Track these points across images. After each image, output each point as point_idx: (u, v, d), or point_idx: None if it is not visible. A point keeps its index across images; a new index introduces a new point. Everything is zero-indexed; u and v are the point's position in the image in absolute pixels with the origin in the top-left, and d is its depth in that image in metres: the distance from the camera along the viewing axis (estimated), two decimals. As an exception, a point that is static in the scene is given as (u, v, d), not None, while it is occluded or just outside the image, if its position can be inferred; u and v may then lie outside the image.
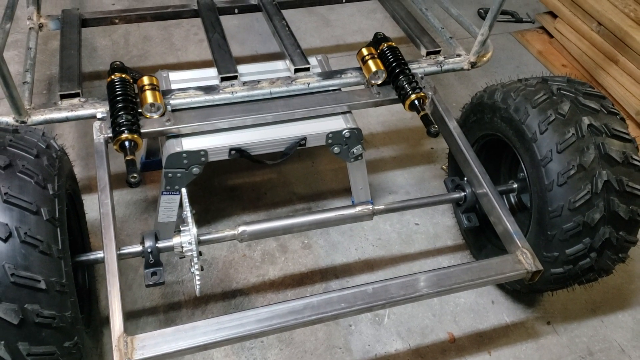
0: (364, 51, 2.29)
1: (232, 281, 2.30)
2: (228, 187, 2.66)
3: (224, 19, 2.65)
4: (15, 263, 1.37)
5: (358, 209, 2.01)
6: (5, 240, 1.37)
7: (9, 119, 1.98)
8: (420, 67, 2.39)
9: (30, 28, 2.57)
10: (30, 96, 2.15)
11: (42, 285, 1.39)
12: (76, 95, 2.11)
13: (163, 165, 2.09)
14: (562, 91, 1.97)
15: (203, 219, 2.49)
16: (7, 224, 1.39)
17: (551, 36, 3.61)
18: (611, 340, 2.22)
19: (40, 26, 2.63)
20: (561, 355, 2.16)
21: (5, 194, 1.42)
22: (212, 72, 2.31)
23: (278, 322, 1.61)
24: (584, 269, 1.92)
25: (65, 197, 1.65)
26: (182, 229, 1.81)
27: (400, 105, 2.23)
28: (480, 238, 2.35)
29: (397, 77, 2.21)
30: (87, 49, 3.36)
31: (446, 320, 2.23)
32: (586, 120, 1.86)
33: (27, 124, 1.98)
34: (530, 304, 2.31)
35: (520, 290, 2.16)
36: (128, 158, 1.88)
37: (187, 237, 1.79)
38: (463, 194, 2.11)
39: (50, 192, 1.51)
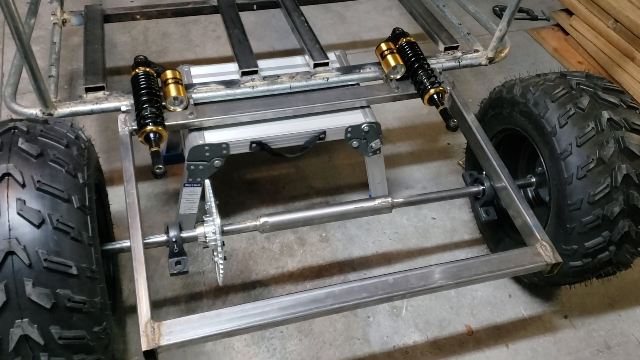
0: (383, 46, 2.31)
1: (251, 272, 2.33)
2: (247, 181, 2.70)
3: (242, 16, 2.68)
4: (47, 249, 1.40)
5: (377, 201, 2.03)
6: (38, 227, 1.41)
7: (37, 112, 2.02)
8: (438, 63, 2.41)
9: (54, 23, 2.61)
10: (56, 89, 2.19)
11: (74, 271, 1.43)
12: (101, 88, 2.15)
13: (185, 157, 2.13)
14: (581, 86, 1.98)
15: (223, 212, 2.48)
16: (40, 211, 1.42)
17: (567, 33, 3.61)
18: (629, 335, 2.23)
19: (64, 22, 2.67)
20: (578, 348, 2.17)
21: (38, 181, 1.46)
22: (233, 67, 2.34)
23: (300, 310, 1.64)
24: (603, 262, 1.93)
25: (95, 187, 1.69)
26: (205, 219, 1.85)
27: (417, 100, 2.26)
28: (498, 232, 2.37)
29: (416, 72, 2.24)
30: (107, 45, 3.35)
31: (464, 312, 2.25)
32: (605, 115, 1.87)
33: (54, 117, 2.02)
34: (547, 298, 2.32)
35: (538, 284, 2.17)
36: (153, 149, 1.92)
37: (211, 227, 1.82)
38: (482, 187, 2.13)
39: (81, 181, 1.55)
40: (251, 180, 2.70)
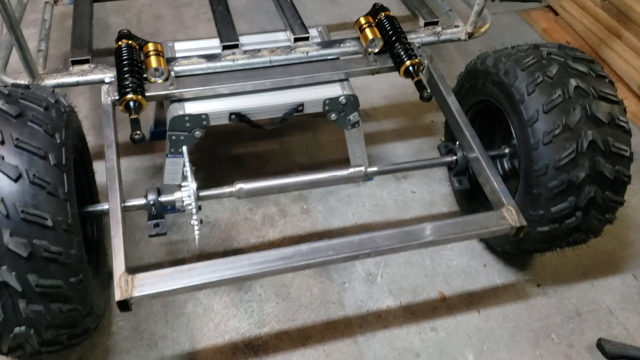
0: (362, 20, 2.37)
1: (233, 241, 2.41)
2: (232, 156, 2.76)
3: None
4: (24, 201, 1.48)
5: (350, 170, 2.09)
6: (15, 181, 1.49)
7: (24, 82, 2.09)
8: (417, 37, 2.46)
9: (45, 2, 2.69)
10: (44, 62, 2.27)
11: (49, 223, 1.50)
12: (86, 61, 2.22)
13: (167, 128, 2.20)
14: (552, 55, 2.03)
15: (207, 185, 2.55)
16: (17, 166, 1.50)
17: (557, 14, 3.65)
18: (600, 302, 2.28)
19: (56, 0, 2.75)
20: (549, 315, 2.23)
21: (17, 139, 1.53)
22: (216, 42, 2.40)
23: (269, 266, 1.71)
24: (570, 228, 1.98)
25: (73, 149, 1.76)
26: (182, 184, 1.92)
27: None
28: (474, 203, 2.42)
29: (393, 45, 2.29)
30: (100, 27, 3.48)
31: (438, 280, 2.31)
32: (573, 82, 1.92)
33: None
34: (521, 268, 2.38)
35: (510, 252, 2.23)
36: (132, 117, 1.99)
37: (187, 191, 1.89)
38: (454, 157, 2.18)
39: (58, 141, 1.62)
40: (236, 155, 2.77)
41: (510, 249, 2.20)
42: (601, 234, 2.10)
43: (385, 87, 3.17)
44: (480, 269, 2.37)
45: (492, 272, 2.36)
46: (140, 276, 1.64)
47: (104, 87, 2.14)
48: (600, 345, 2.12)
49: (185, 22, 3.62)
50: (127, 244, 1.74)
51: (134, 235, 2.39)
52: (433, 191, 2.67)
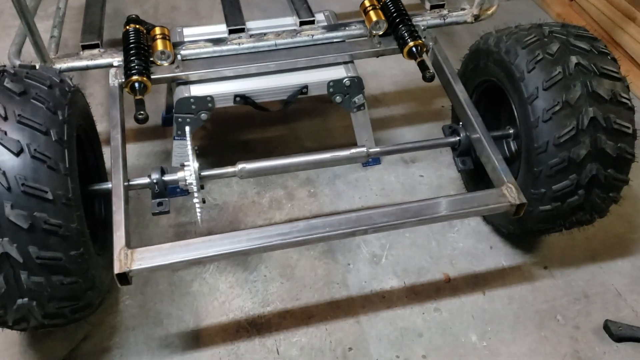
0: (367, 2, 2.38)
1: (240, 223, 2.44)
2: (241, 141, 2.80)
3: None
4: (25, 175, 1.53)
5: (352, 150, 2.10)
6: (17, 155, 1.54)
7: (37, 65, 2.16)
8: (423, 20, 2.46)
9: (60, -9, 2.76)
10: (56, 48, 2.35)
11: (49, 196, 1.55)
12: (96, 46, 2.29)
13: (173, 110, 2.24)
14: (553, 34, 2.01)
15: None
16: (19, 141, 1.55)
17: (572, -1, 3.60)
18: (608, 285, 2.25)
19: (71, -10, 2.82)
20: (555, 297, 2.21)
21: (19, 115, 1.59)
22: (224, 27, 2.44)
23: (266, 241, 1.73)
24: (574, 206, 1.96)
25: (77, 127, 1.81)
26: (185, 164, 1.95)
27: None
28: (480, 185, 2.40)
29: (397, 27, 2.29)
30: (119, 18, 3.55)
31: (443, 262, 2.31)
32: (574, 59, 1.90)
33: (50, 70, 2.15)
34: (528, 250, 2.36)
35: (515, 232, 2.21)
36: (137, 97, 2.04)
37: (189, 171, 1.93)
38: (458, 138, 2.18)
39: (60, 118, 1.67)
40: (246, 140, 2.80)
41: (515, 230, 2.19)
42: (607, 214, 2.08)
43: (396, 73, 3.17)
44: (487, 251, 2.35)
45: (499, 254, 2.34)
46: (140, 250, 1.69)
47: (112, 70, 2.19)
48: (607, 326, 2.09)
49: (200, 12, 3.67)
50: (128, 220, 1.78)
51: (143, 217, 2.45)
52: (441, 175, 2.66)
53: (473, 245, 2.37)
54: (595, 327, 2.11)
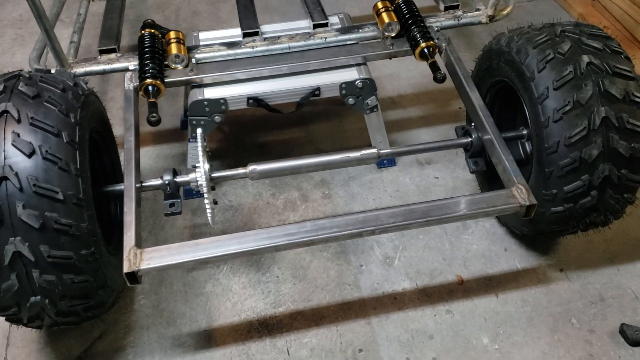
0: (379, 4, 2.39)
1: (254, 224, 2.46)
2: (258, 144, 2.83)
3: None
4: (37, 176, 1.58)
5: (363, 151, 2.10)
6: (29, 156, 1.59)
7: (53, 70, 2.22)
8: (437, 21, 2.45)
9: (82, -2, 2.84)
10: (75, 53, 2.40)
11: (60, 197, 1.59)
12: (113, 50, 2.34)
13: (188, 113, 2.28)
14: (565, 33, 1.98)
15: (232, 171, 2.66)
16: (31, 143, 1.60)
17: (594, -1, 3.54)
18: (625, 288, 2.20)
19: (92, -3, 2.90)
20: (571, 299, 2.17)
21: (32, 117, 1.64)
22: (239, 31, 2.46)
23: (273, 242, 1.75)
24: (586, 208, 1.93)
25: (90, 129, 1.85)
26: (196, 165, 1.98)
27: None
28: (494, 186, 2.38)
29: (409, 29, 2.30)
30: (140, 24, 3.61)
31: (456, 264, 2.29)
32: (585, 59, 1.87)
33: (68, 75, 2.21)
34: (544, 252, 2.32)
35: (528, 234, 2.19)
36: (150, 100, 2.08)
37: (200, 172, 1.96)
38: (470, 139, 2.16)
39: (72, 120, 1.72)
40: (262, 143, 2.83)
41: (528, 231, 2.16)
42: (625, 216, 2.04)
43: (414, 75, 3.16)
44: (501, 253, 2.33)
45: (513, 257, 2.32)
46: (149, 250, 1.72)
47: (127, 74, 2.24)
48: (622, 330, 2.05)
49: (221, 17, 3.72)
50: (139, 221, 1.82)
51: (160, 218, 2.49)
52: (457, 177, 2.64)
53: (487, 247, 2.35)
54: (611, 331, 2.07)
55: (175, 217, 2.47)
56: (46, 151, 1.61)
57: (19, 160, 1.58)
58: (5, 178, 1.56)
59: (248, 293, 2.22)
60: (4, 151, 1.58)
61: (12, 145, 1.59)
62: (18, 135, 1.60)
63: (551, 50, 1.92)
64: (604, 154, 1.84)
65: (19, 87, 1.71)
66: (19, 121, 1.63)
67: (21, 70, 1.87)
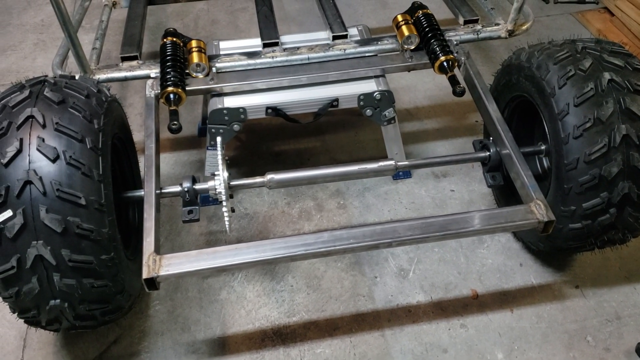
0: (399, 17, 2.40)
1: (269, 233, 2.47)
2: (274, 153, 2.84)
3: (287, 3, 2.81)
4: (60, 180, 1.60)
5: (380, 163, 2.11)
6: (53, 161, 1.61)
7: (77, 76, 2.25)
8: (456, 35, 2.46)
9: (104, 5, 2.87)
10: (97, 59, 2.43)
11: (82, 202, 1.61)
12: (135, 57, 2.36)
13: (207, 121, 2.30)
14: (586, 50, 1.98)
15: (249, 179, 2.68)
16: (55, 148, 1.62)
17: (612, 14, 3.53)
18: (642, 307, 2.19)
19: (114, 4, 2.93)
20: (586, 317, 2.16)
21: (57, 123, 1.66)
22: (259, 41, 2.48)
23: (290, 251, 1.75)
24: (605, 225, 1.92)
25: (112, 136, 1.88)
26: (215, 173, 2.00)
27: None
28: (510, 201, 2.38)
29: (429, 42, 2.31)
30: (160, 31, 3.65)
31: (471, 278, 2.29)
32: (607, 76, 1.87)
33: (90, 81, 2.24)
34: (560, 268, 2.32)
35: (544, 250, 2.18)
36: (171, 108, 2.10)
37: (219, 180, 1.97)
38: (488, 153, 2.16)
39: (95, 126, 1.74)
40: (278, 152, 2.84)
41: (544, 247, 2.15)
42: (643, 234, 2.03)
43: (430, 88, 3.17)
44: (516, 268, 2.32)
45: (529, 272, 2.31)
46: (168, 257, 1.73)
47: (149, 82, 2.26)
48: (639, 349, 2.04)
49: (239, 26, 3.75)
50: (158, 227, 1.83)
51: (176, 225, 2.50)
52: (473, 190, 2.64)
53: (503, 262, 2.34)
54: (627, 350, 2.06)
55: (191, 224, 2.49)
56: (70, 156, 1.63)
57: (43, 165, 1.60)
58: (30, 182, 1.58)
59: (262, 301, 2.23)
60: (29, 155, 1.60)
61: (37, 150, 1.61)
62: (43, 140, 1.62)
63: (572, 66, 1.92)
64: (624, 171, 1.83)
65: (45, 93, 1.74)
66: (44, 126, 1.65)
67: (46, 75, 1.90)
